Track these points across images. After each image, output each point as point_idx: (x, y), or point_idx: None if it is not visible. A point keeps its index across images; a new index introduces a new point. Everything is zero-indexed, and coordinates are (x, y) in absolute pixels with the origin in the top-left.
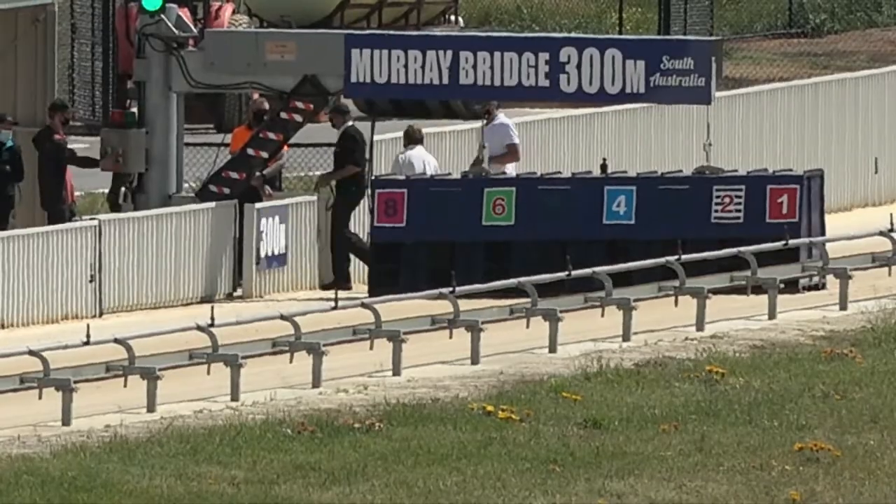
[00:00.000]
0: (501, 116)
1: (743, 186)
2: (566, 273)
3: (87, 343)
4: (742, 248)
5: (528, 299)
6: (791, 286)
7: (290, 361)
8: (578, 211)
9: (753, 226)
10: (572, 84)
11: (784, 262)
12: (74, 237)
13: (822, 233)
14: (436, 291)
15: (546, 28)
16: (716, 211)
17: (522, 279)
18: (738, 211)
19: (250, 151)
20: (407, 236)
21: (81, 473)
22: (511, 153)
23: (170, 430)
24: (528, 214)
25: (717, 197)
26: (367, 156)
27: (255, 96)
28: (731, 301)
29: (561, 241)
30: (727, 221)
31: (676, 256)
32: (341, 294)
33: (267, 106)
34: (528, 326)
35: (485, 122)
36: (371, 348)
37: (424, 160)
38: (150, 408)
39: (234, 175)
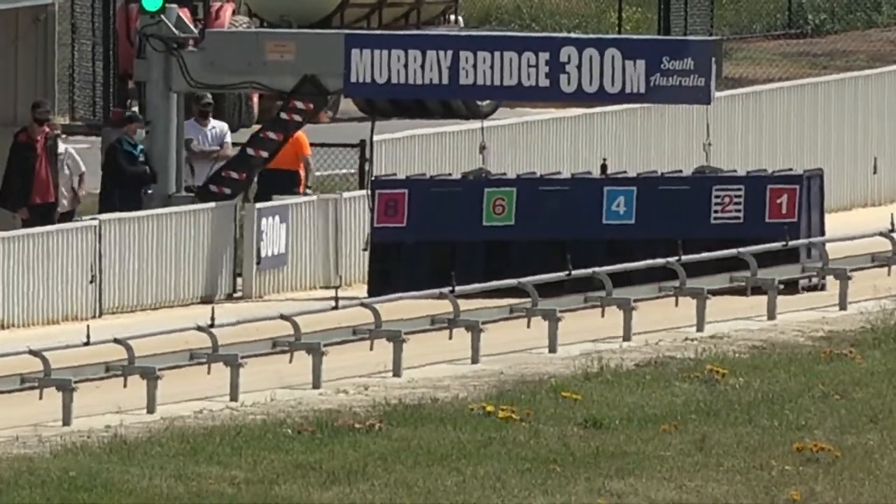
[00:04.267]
0: (214, 120)
1: (742, 186)
2: (566, 273)
3: (87, 343)
4: (742, 249)
5: (529, 299)
6: (791, 287)
7: (290, 361)
8: (578, 211)
9: (753, 226)
10: (572, 84)
11: (784, 262)
12: (75, 237)
13: (822, 233)
14: (436, 291)
15: (546, 28)
16: (715, 211)
17: (522, 279)
18: (738, 211)
19: (250, 151)
20: (407, 236)
21: (81, 473)
22: (223, 154)
23: (170, 431)
24: (528, 215)
25: (717, 197)
26: (368, 156)
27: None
28: (730, 301)
29: (561, 242)
30: (727, 222)
31: (676, 257)
32: (341, 293)
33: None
34: (528, 326)
35: (197, 119)
36: (371, 348)
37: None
38: (150, 408)
39: (234, 175)
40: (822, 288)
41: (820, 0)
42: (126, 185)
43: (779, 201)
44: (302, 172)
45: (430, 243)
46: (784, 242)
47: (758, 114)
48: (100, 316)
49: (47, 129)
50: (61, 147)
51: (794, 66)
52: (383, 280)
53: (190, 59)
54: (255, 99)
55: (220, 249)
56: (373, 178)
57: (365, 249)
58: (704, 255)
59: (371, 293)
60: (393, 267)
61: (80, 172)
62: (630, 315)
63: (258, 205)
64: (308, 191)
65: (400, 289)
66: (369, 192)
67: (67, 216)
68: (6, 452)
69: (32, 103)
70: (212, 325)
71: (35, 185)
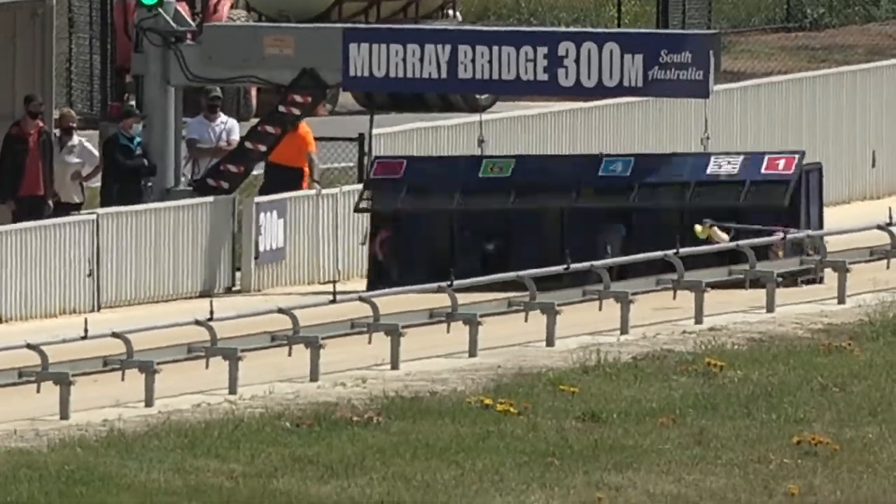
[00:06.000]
0: (223, 115)
1: (741, 156)
2: (564, 266)
3: (85, 337)
4: (740, 242)
5: (527, 292)
6: (789, 280)
7: (289, 355)
8: (576, 175)
9: (749, 174)
10: (570, 78)
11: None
12: (72, 231)
13: (821, 226)
14: (434, 285)
15: (544, 22)
16: (713, 168)
17: (521, 273)
18: (734, 166)
19: (248, 145)
20: (402, 188)
21: (79, 467)
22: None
23: (168, 424)
24: (525, 171)
25: (715, 160)
26: (366, 149)
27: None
28: (729, 294)
29: (559, 207)
30: (723, 173)
31: (675, 250)
32: (339, 287)
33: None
34: (526, 320)
35: (206, 115)
36: (369, 342)
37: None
38: (148, 402)
39: (233, 168)
40: (821, 281)
41: None
42: (123, 179)
43: (777, 163)
44: (307, 169)
45: (427, 239)
46: (783, 236)
47: (756, 108)
48: (98, 310)
49: (41, 124)
50: (75, 139)
51: (793, 60)
52: (382, 274)
53: (188, 52)
54: (254, 93)
55: (218, 243)
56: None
57: (363, 244)
58: (702, 248)
59: (370, 287)
60: (391, 261)
61: (95, 164)
62: (628, 308)
63: (256, 199)
64: (316, 185)
65: (398, 283)
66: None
67: (76, 208)
68: (4, 446)
69: (25, 97)
70: (210, 319)
71: (24, 179)
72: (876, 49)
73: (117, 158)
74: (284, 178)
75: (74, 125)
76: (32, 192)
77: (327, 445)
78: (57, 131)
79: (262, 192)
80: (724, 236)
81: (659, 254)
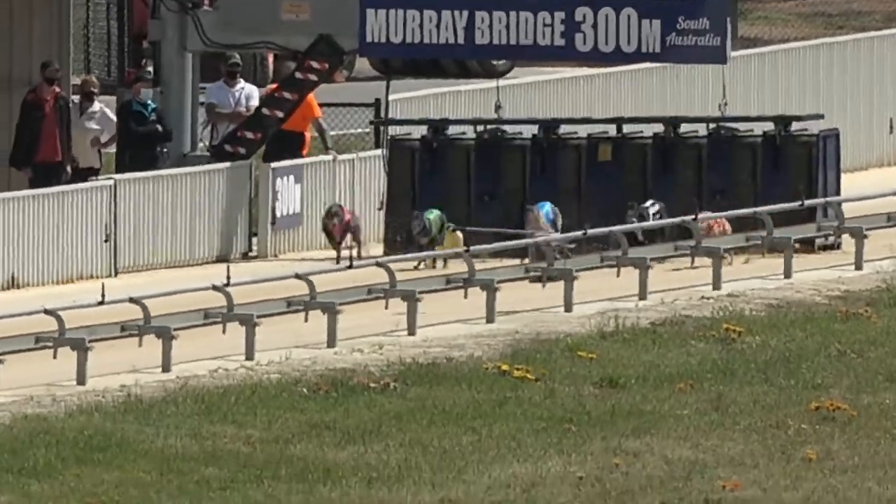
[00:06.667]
0: (243, 81)
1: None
2: (582, 232)
3: (102, 303)
4: (758, 209)
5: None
6: (807, 245)
7: (305, 321)
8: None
9: None
10: (588, 43)
11: (800, 221)
12: (90, 197)
13: (838, 192)
14: (452, 251)
15: None
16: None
17: (538, 238)
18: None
19: (265, 111)
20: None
21: (96, 433)
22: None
23: (185, 390)
24: None
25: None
26: (383, 115)
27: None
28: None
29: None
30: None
31: (693, 216)
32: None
33: None
34: (543, 286)
35: (226, 80)
36: (386, 307)
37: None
38: (165, 367)
39: (249, 135)
40: (838, 247)
41: None
42: (136, 145)
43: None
44: (307, 135)
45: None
46: (800, 202)
47: (773, 74)
48: (115, 275)
49: (57, 90)
50: (95, 105)
51: (810, 27)
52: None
53: (205, 18)
54: (271, 59)
55: (235, 209)
56: (388, 138)
57: (380, 209)
58: (721, 213)
59: (387, 253)
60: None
61: (114, 131)
62: (646, 274)
63: (273, 165)
64: (332, 152)
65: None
66: (386, 152)
67: (95, 174)
68: (21, 412)
69: (41, 63)
70: (227, 285)
71: (40, 145)
72: (893, 15)
73: (130, 124)
74: (286, 142)
75: (96, 91)
76: (49, 159)
77: (344, 411)
78: (77, 97)
79: (264, 156)
80: (460, 239)
81: (677, 220)
